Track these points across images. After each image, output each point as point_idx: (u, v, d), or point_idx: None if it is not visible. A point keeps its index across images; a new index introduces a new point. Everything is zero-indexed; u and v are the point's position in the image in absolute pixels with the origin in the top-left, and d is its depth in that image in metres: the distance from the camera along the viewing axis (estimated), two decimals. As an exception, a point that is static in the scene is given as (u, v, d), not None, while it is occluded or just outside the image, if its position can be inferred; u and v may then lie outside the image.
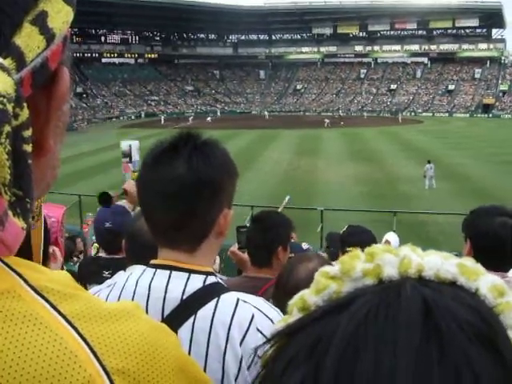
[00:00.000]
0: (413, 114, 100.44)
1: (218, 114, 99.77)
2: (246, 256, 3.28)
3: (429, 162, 27.52)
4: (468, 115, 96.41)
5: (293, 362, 0.47)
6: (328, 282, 0.54)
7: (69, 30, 0.68)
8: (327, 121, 72.18)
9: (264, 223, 3.18)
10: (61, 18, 0.65)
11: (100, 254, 5.89)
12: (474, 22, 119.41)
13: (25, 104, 0.59)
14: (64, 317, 0.67)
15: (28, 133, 0.61)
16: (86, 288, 2.66)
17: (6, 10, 0.60)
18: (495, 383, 0.43)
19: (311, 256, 2.47)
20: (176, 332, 1.44)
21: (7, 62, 0.59)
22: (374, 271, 0.52)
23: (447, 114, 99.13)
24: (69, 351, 0.64)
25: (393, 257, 0.53)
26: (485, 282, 0.50)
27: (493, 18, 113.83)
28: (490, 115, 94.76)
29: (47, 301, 0.67)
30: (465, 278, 0.51)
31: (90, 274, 3.74)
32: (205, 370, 0.99)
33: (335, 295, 0.53)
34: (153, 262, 1.60)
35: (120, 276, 1.71)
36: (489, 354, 0.44)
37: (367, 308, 0.47)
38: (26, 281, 0.67)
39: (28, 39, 0.60)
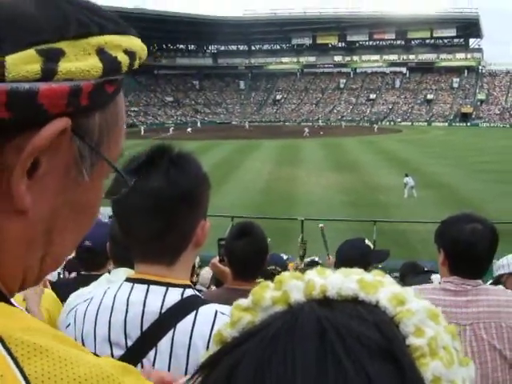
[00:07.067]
0: (392, 123, 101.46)
1: (199, 124, 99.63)
2: (226, 268, 3.20)
3: (406, 176, 27.68)
4: (447, 124, 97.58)
5: None
6: (241, 314, 0.55)
7: (87, 85, 0.62)
8: (306, 130, 72.66)
9: (253, 235, 3.04)
10: (76, 64, 0.61)
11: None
12: (452, 32, 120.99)
13: None
14: (26, 378, 0.58)
15: None
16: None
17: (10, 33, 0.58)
18: None
19: None
20: (155, 346, 1.48)
21: None
22: (282, 298, 0.53)
23: (426, 123, 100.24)
24: None
25: (299, 282, 0.54)
26: (384, 293, 0.52)
27: (470, 27, 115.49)
28: (469, 124, 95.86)
29: (13, 357, 0.59)
30: (364, 292, 0.52)
31: (67, 291, 3.61)
32: None
33: (249, 326, 0.54)
34: (130, 276, 1.59)
35: (97, 291, 1.69)
36: (388, 365, 0.45)
37: (270, 335, 0.47)
38: None
39: (21, 61, 0.57)
